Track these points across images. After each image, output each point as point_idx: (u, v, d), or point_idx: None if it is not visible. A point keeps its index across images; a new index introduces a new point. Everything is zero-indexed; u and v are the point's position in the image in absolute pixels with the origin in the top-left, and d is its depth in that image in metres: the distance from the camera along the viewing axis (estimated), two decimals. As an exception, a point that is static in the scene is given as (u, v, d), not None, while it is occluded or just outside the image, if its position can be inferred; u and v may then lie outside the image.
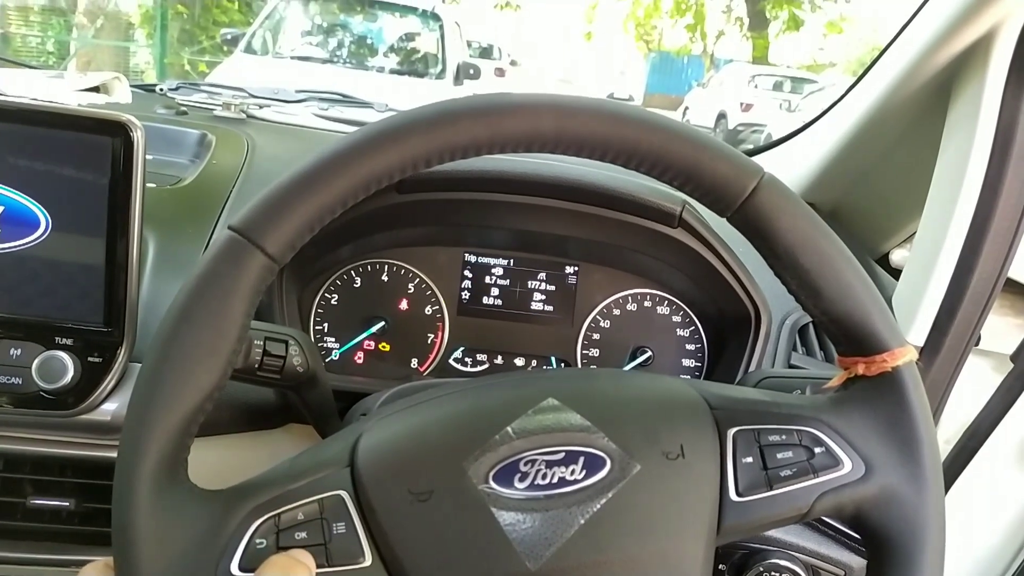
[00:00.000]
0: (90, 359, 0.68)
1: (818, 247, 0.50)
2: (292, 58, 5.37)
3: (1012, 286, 0.89)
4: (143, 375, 0.45)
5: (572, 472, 0.48)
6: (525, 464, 0.48)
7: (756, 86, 11.17)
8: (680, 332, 0.91)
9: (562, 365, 0.91)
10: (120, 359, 0.68)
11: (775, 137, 1.29)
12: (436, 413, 0.52)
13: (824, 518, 0.79)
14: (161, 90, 1.32)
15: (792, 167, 1.13)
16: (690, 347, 0.91)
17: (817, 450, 0.51)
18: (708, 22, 15.97)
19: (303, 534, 0.46)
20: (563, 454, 0.49)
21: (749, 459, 0.51)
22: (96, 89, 1.20)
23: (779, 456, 0.51)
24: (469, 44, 8.55)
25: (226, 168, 0.93)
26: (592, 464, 0.49)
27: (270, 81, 1.47)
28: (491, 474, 0.48)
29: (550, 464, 0.48)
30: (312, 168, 0.47)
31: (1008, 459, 0.98)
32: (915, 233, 1.07)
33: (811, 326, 0.91)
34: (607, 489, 0.48)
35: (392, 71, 5.68)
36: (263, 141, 1.04)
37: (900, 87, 0.93)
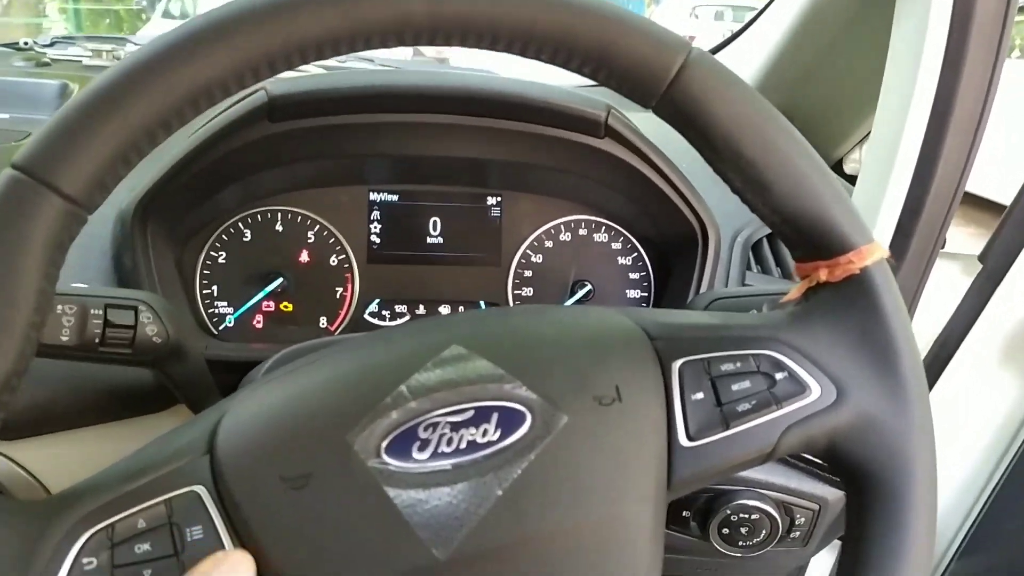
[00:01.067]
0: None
1: (763, 133, 0.41)
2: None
3: (967, 199, 0.82)
4: None
5: (484, 433, 0.39)
6: (425, 429, 0.39)
7: (697, 17, 11.03)
8: (622, 260, 0.82)
9: None
10: None
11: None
12: (315, 378, 0.42)
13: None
14: (27, 43, 1.16)
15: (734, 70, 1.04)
16: (634, 276, 0.82)
17: (778, 376, 0.42)
18: (645, -45, 15.74)
19: (146, 546, 0.36)
20: (472, 412, 0.39)
21: (699, 395, 0.42)
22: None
23: (734, 388, 0.42)
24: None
25: None
26: (508, 420, 0.39)
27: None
28: (383, 446, 0.38)
29: (456, 426, 0.39)
30: (116, 80, 0.36)
31: (987, 362, 0.91)
32: (869, 134, 0.99)
33: (765, 241, 0.82)
34: (528, 449, 0.38)
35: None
36: None
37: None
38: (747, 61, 1.04)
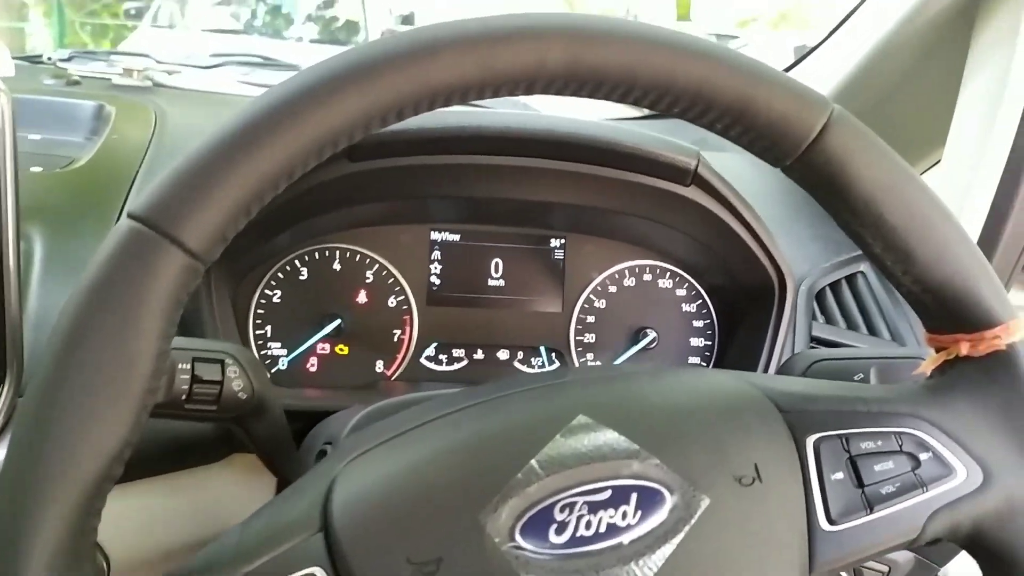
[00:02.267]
0: (-38, 398, 0.52)
1: (907, 198, 0.40)
2: (203, 31, 5.07)
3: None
4: (18, 435, 0.32)
5: (624, 515, 0.36)
6: (561, 509, 0.36)
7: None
8: (686, 308, 0.79)
9: (553, 356, 0.78)
10: (4, 395, 0.53)
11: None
12: (432, 445, 0.39)
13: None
14: (50, 59, 1.12)
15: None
16: (698, 324, 0.79)
17: (923, 456, 0.41)
18: (630, -19, 15.93)
19: None
20: (609, 492, 0.37)
21: (839, 475, 0.40)
22: (-32, 62, 1.01)
23: (876, 468, 0.40)
24: (390, 12, 8.28)
25: (130, 144, 0.76)
26: (648, 502, 0.37)
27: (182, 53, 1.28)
28: (518, 527, 0.35)
29: (594, 507, 0.36)
30: (244, 126, 0.33)
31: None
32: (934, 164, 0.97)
33: (828, 290, 0.80)
34: (671, 533, 0.36)
35: (312, 40, 5.42)
36: (175, 111, 0.87)
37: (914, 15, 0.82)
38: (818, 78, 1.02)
